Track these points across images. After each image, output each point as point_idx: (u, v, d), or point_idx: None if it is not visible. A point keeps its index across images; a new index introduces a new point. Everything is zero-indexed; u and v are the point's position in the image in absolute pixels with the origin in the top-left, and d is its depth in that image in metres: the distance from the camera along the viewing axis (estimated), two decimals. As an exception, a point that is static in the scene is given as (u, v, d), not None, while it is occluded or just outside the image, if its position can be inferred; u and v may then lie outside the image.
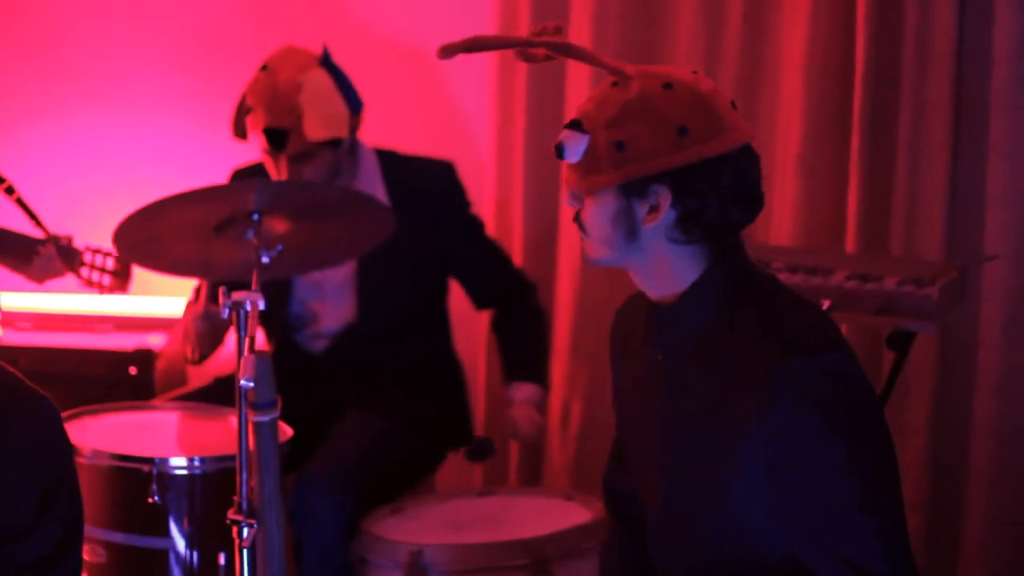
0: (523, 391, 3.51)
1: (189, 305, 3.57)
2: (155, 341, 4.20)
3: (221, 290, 2.35)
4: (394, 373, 3.53)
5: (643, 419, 2.20)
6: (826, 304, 2.84)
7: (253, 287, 2.43)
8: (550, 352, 3.79)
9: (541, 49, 2.07)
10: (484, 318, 3.91)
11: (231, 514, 2.37)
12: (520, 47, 2.10)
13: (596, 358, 3.83)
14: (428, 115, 4.19)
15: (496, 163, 4.01)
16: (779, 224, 3.59)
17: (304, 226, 2.69)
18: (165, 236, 2.69)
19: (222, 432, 3.23)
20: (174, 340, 4.31)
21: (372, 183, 3.43)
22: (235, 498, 2.38)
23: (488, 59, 3.99)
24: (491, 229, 3.89)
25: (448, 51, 2.06)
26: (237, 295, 2.34)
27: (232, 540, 2.78)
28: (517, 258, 3.95)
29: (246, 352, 2.23)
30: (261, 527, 2.34)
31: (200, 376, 3.90)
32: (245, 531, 2.36)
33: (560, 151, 2.06)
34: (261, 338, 3.60)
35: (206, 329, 3.30)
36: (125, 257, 2.80)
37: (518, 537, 2.97)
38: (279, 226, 2.67)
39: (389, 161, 3.48)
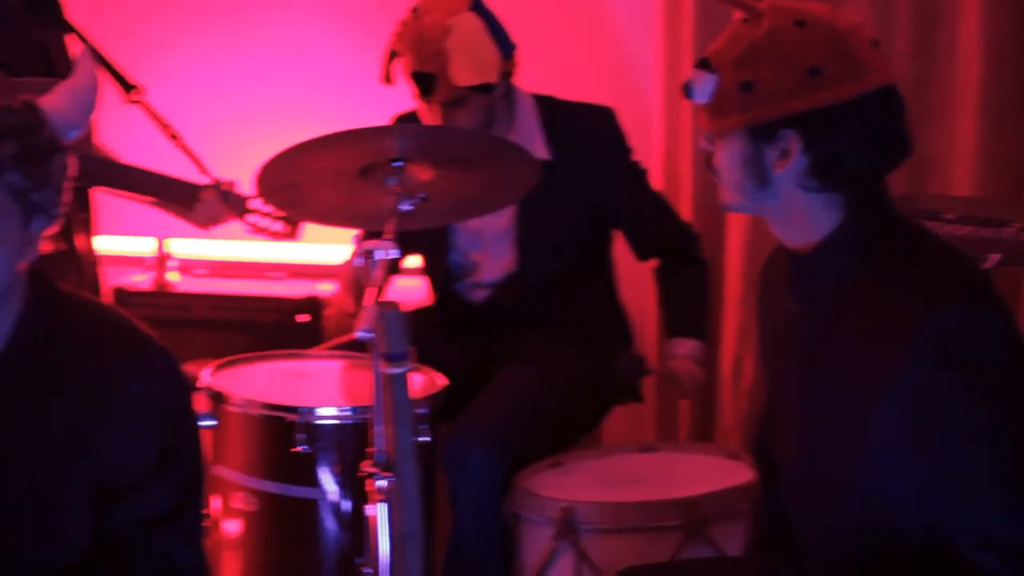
0: (684, 346, 3.41)
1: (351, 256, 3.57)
2: (325, 289, 4.21)
3: (355, 238, 2.31)
4: (556, 324, 3.46)
5: (782, 374, 2.11)
6: (996, 258, 2.67)
7: (387, 235, 2.37)
8: (712, 305, 3.68)
9: None
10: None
11: (366, 467, 2.33)
12: None
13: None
14: (591, 61, 4.08)
15: (664, 111, 3.90)
16: (958, 173, 3.41)
17: (449, 174, 2.61)
18: (307, 182, 2.64)
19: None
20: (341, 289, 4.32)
21: (529, 130, 3.35)
22: (369, 450, 2.33)
23: (654, 2, 3.88)
24: (659, 179, 3.80)
25: None
26: (367, 244, 2.29)
27: (380, 491, 2.77)
28: (686, 208, 3.84)
29: (369, 303, 2.18)
30: (397, 479, 2.29)
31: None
32: (381, 484, 2.31)
33: (688, 91, 1.97)
34: (425, 288, 3.60)
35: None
36: (268, 202, 2.77)
37: (674, 496, 2.88)
38: (423, 173, 2.60)
39: (547, 107, 3.40)
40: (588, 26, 4.10)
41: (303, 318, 4.13)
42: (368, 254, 2.27)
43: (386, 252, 2.27)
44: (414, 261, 3.62)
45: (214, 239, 4.34)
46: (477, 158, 2.65)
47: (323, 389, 3.18)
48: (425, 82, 3.15)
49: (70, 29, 3.33)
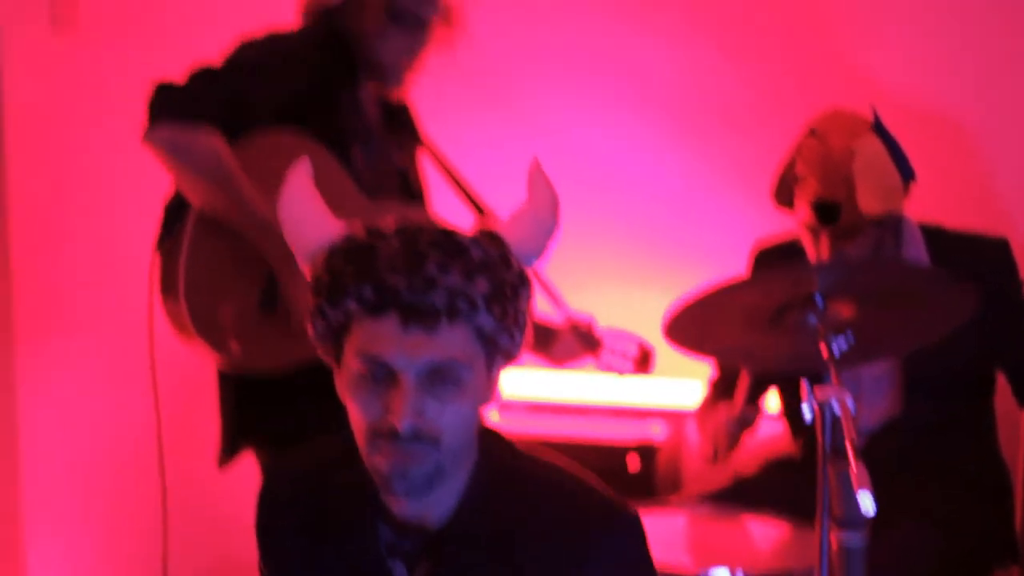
0: None
1: (709, 401, 3.33)
2: (655, 432, 3.95)
3: (803, 384, 2.04)
4: (935, 475, 3.14)
5: None
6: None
7: (834, 383, 2.10)
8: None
9: None
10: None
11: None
12: None
13: None
14: (963, 190, 3.79)
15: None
16: None
17: (871, 310, 2.34)
18: (716, 321, 2.41)
19: (742, 538, 2.94)
20: (674, 433, 4.06)
21: (916, 259, 3.08)
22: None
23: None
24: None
25: None
26: (822, 392, 2.02)
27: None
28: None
29: (853, 461, 1.89)
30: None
31: (708, 475, 3.61)
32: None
33: None
34: (784, 434, 3.33)
35: (739, 430, 3.03)
36: (675, 342, 2.55)
37: None
38: (844, 310, 2.34)
39: (935, 237, 3.14)
40: (959, 155, 3.82)
41: (634, 464, 3.87)
42: (823, 406, 2.00)
43: (843, 401, 2.00)
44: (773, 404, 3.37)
45: (535, 373, 4.17)
46: (905, 291, 2.36)
47: (690, 545, 2.91)
48: (829, 210, 2.91)
49: (424, 146, 3.21)
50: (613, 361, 3.24)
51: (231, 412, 2.98)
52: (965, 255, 3.11)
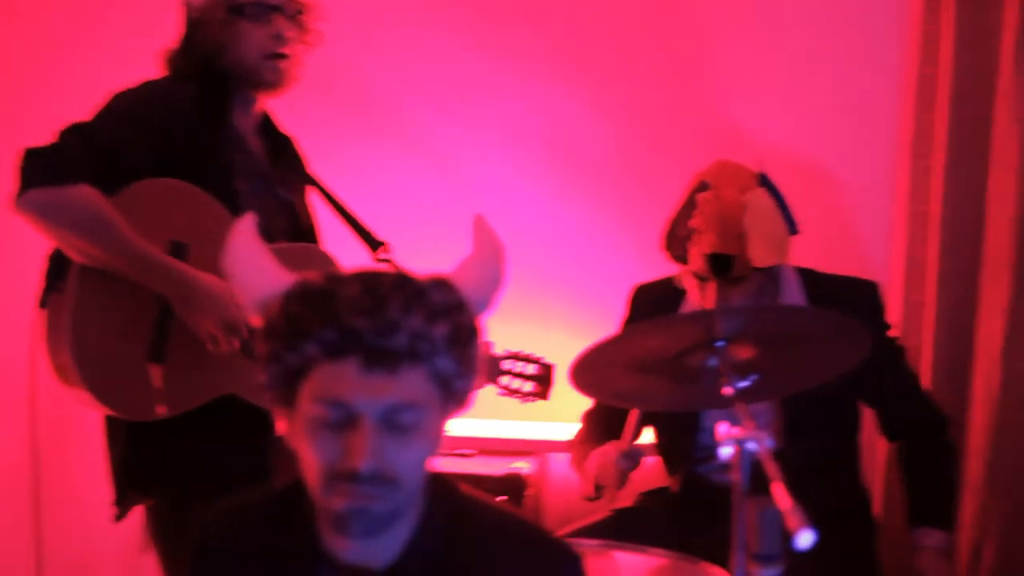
0: (931, 537, 3.20)
1: (584, 436, 3.37)
2: (522, 467, 3.99)
3: (718, 425, 2.11)
4: (810, 507, 3.20)
5: None
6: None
7: (747, 423, 2.16)
8: (960, 492, 3.46)
9: None
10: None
11: None
12: None
13: (1013, 493, 3.49)
14: (825, 234, 3.92)
15: (903, 281, 3.72)
16: None
17: (769, 353, 2.42)
18: (618, 366, 2.45)
19: (622, 572, 2.99)
20: (540, 468, 4.11)
21: (795, 303, 3.18)
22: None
23: (888, 164, 3.74)
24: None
25: None
26: (738, 433, 2.09)
27: None
28: (924, 382, 3.63)
29: (788, 501, 1.96)
30: None
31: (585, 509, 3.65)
32: None
33: None
34: (658, 467, 3.39)
35: (627, 467, 3.08)
36: (579, 388, 2.57)
37: None
38: (743, 353, 2.41)
39: (811, 279, 3.25)
40: (823, 201, 3.96)
41: (503, 499, 3.90)
42: (739, 443, 2.07)
43: (762, 442, 2.06)
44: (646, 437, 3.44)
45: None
46: (803, 334, 2.45)
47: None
48: (723, 263, 3.00)
49: (311, 182, 3.17)
50: (513, 383, 3.26)
51: (123, 460, 2.90)
52: (838, 296, 3.22)
